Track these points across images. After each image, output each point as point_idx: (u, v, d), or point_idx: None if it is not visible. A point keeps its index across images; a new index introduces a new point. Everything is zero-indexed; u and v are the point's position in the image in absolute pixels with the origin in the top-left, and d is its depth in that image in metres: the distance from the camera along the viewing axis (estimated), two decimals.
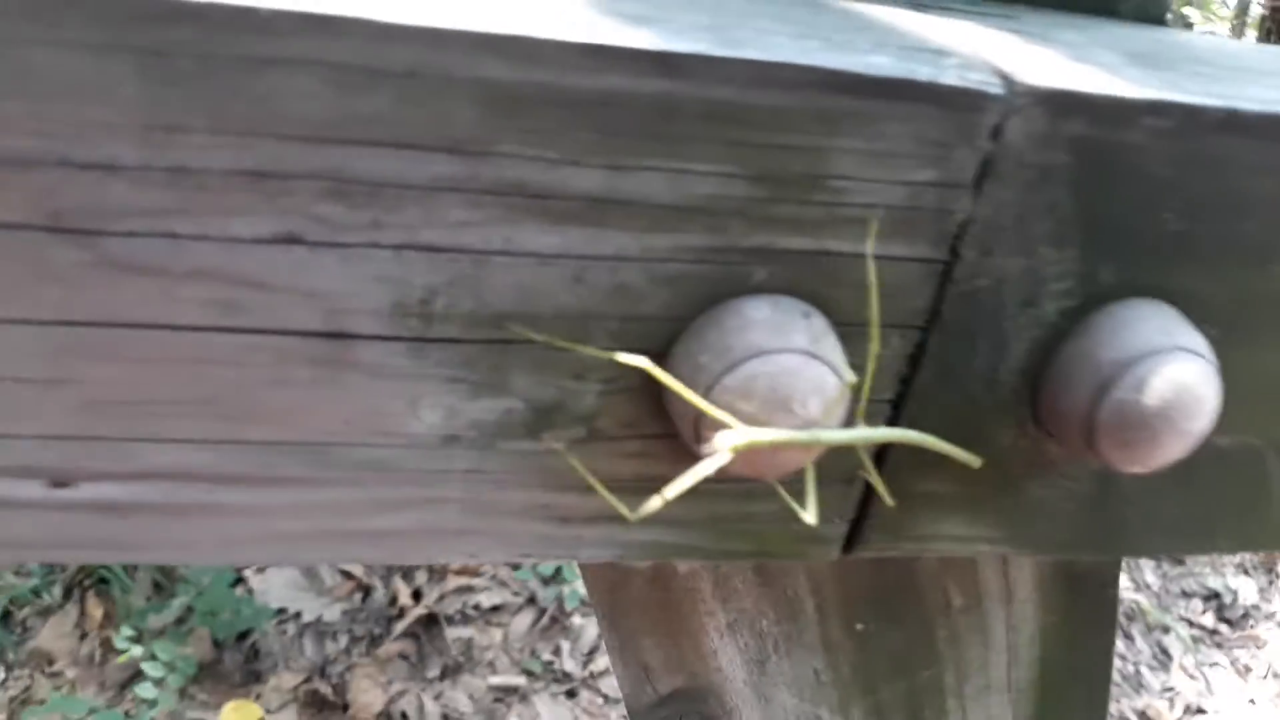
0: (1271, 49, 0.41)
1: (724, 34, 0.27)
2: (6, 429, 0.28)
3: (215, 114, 0.25)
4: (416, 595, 1.81)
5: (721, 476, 0.33)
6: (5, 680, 1.57)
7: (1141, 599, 2.09)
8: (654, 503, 0.28)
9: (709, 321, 0.30)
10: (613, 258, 0.29)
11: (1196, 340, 0.32)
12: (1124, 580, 2.10)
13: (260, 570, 1.75)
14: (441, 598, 1.82)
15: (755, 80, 0.27)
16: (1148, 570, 2.17)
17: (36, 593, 1.64)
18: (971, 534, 0.37)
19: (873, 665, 0.55)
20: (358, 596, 1.80)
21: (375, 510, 0.32)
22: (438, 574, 1.86)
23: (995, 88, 0.28)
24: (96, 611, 1.66)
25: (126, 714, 1.44)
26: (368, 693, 1.64)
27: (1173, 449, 0.32)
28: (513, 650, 1.78)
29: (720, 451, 0.27)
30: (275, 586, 1.74)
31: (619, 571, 0.48)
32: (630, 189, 0.28)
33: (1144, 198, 0.31)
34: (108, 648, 1.61)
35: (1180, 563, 2.21)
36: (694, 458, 0.32)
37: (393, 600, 1.80)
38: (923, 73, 0.28)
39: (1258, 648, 2.07)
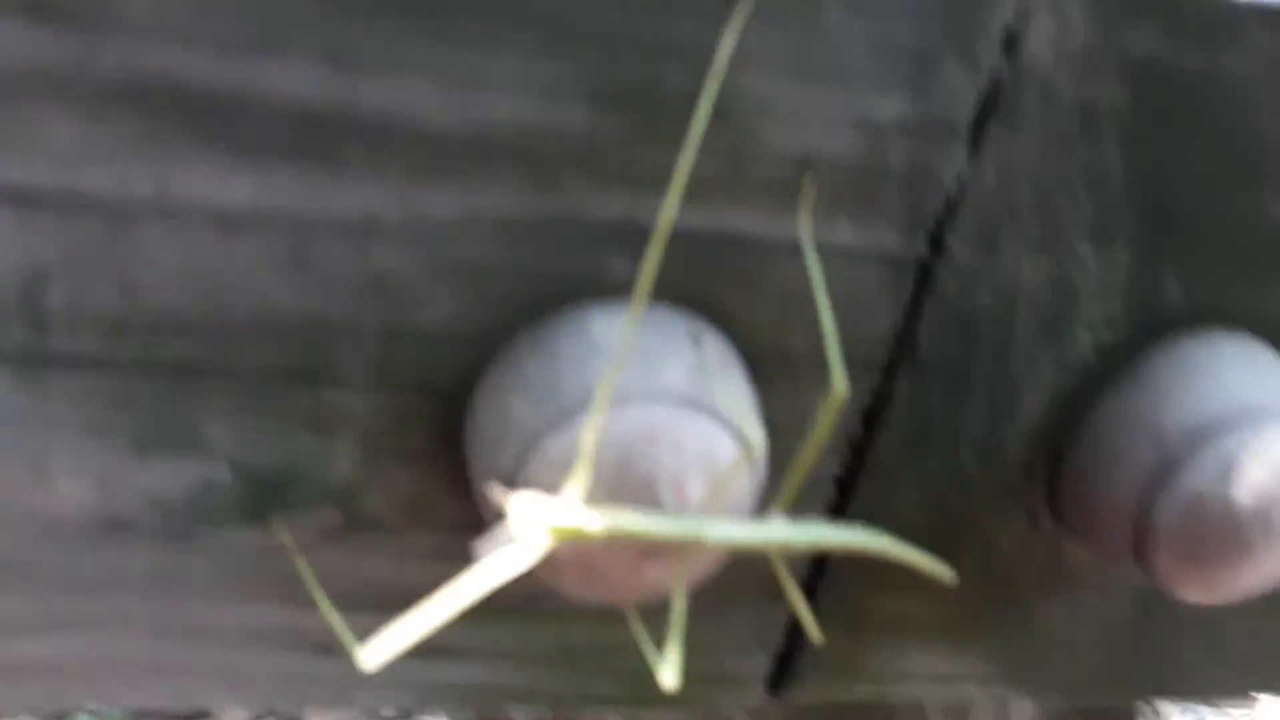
0: None
1: None
2: None
3: None
4: None
5: (557, 593, 0.21)
6: None
7: None
8: (395, 637, 0.16)
9: (532, 345, 0.18)
10: (358, 225, 0.17)
11: None
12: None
13: None
14: None
15: None
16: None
17: None
18: (955, 671, 0.25)
19: None
20: None
21: (12, 633, 0.20)
22: None
23: None
24: None
25: None
26: None
27: (1267, 568, 0.20)
28: None
29: (525, 538, 0.15)
30: None
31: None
32: (378, 102, 0.16)
33: (1242, 168, 0.20)
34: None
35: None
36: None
37: None
38: None
39: None
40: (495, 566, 0.16)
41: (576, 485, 0.15)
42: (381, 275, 0.18)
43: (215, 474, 0.19)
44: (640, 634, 0.19)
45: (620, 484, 0.17)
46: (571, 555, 0.17)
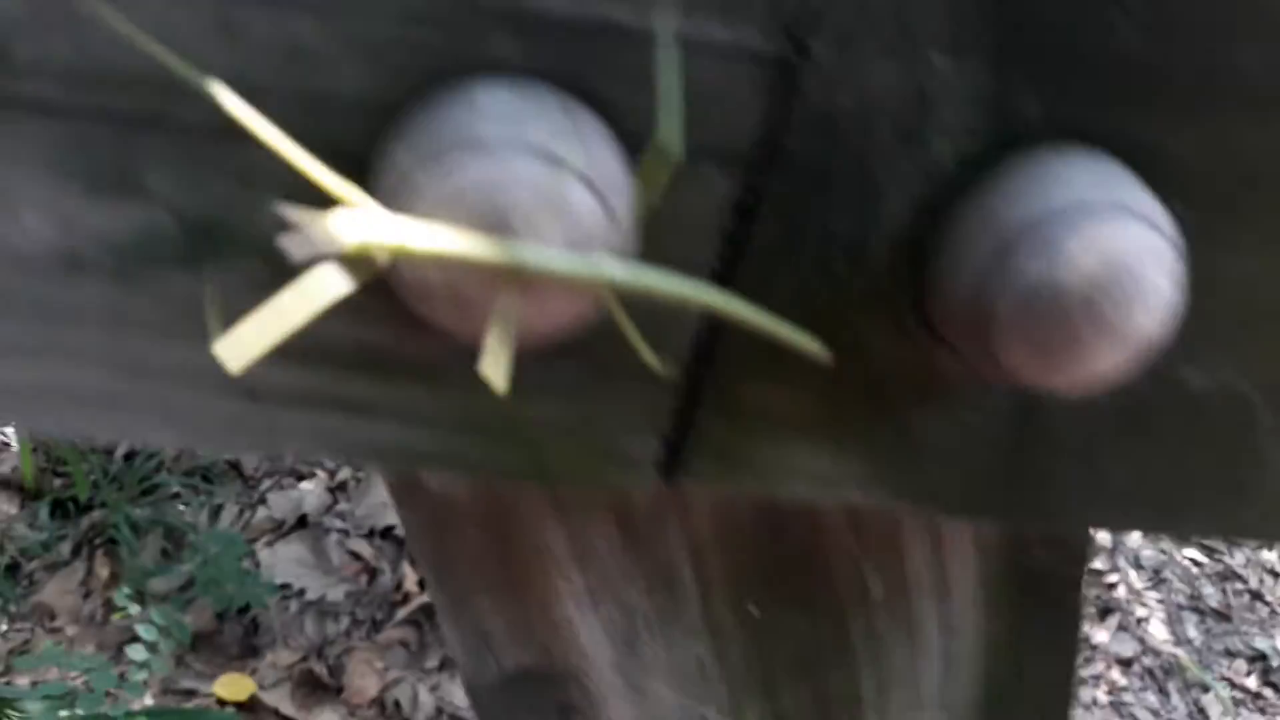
0: None
1: None
2: None
3: None
4: (422, 583, 1.76)
5: (463, 348, 0.23)
6: (6, 632, 1.57)
7: (1181, 653, 1.96)
8: (243, 338, 0.18)
9: (421, 107, 0.21)
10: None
11: (1148, 204, 0.23)
12: (1162, 632, 1.97)
13: (270, 544, 1.73)
14: None
15: None
16: (1189, 624, 2.04)
17: (46, 547, 1.62)
18: (835, 473, 0.28)
19: (770, 658, 0.45)
20: (363, 579, 1.76)
21: None
22: None
23: None
24: (103, 571, 1.65)
25: (121, 676, 1.40)
26: (364, 678, 1.61)
27: (1104, 356, 0.22)
28: None
29: (327, 238, 0.17)
30: (282, 561, 1.71)
31: (444, 510, 0.38)
32: None
33: None
34: (110, 608, 1.59)
35: (1226, 618, 2.07)
36: (426, 323, 0.23)
37: (398, 585, 1.76)
38: None
39: None
40: (319, 284, 0.18)
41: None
42: (298, 46, 0.20)
43: (157, 219, 0.22)
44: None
45: (484, 222, 0.19)
46: (440, 287, 0.20)
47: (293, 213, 0.16)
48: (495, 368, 0.19)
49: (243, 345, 0.18)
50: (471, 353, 0.24)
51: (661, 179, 0.20)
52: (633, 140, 0.22)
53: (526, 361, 0.24)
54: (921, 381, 0.26)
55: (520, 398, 0.25)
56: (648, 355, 0.23)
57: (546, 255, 0.19)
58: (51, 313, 0.23)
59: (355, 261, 0.18)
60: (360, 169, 0.22)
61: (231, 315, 0.23)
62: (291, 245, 0.17)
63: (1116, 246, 0.21)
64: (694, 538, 0.40)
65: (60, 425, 0.24)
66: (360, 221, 0.17)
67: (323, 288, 0.18)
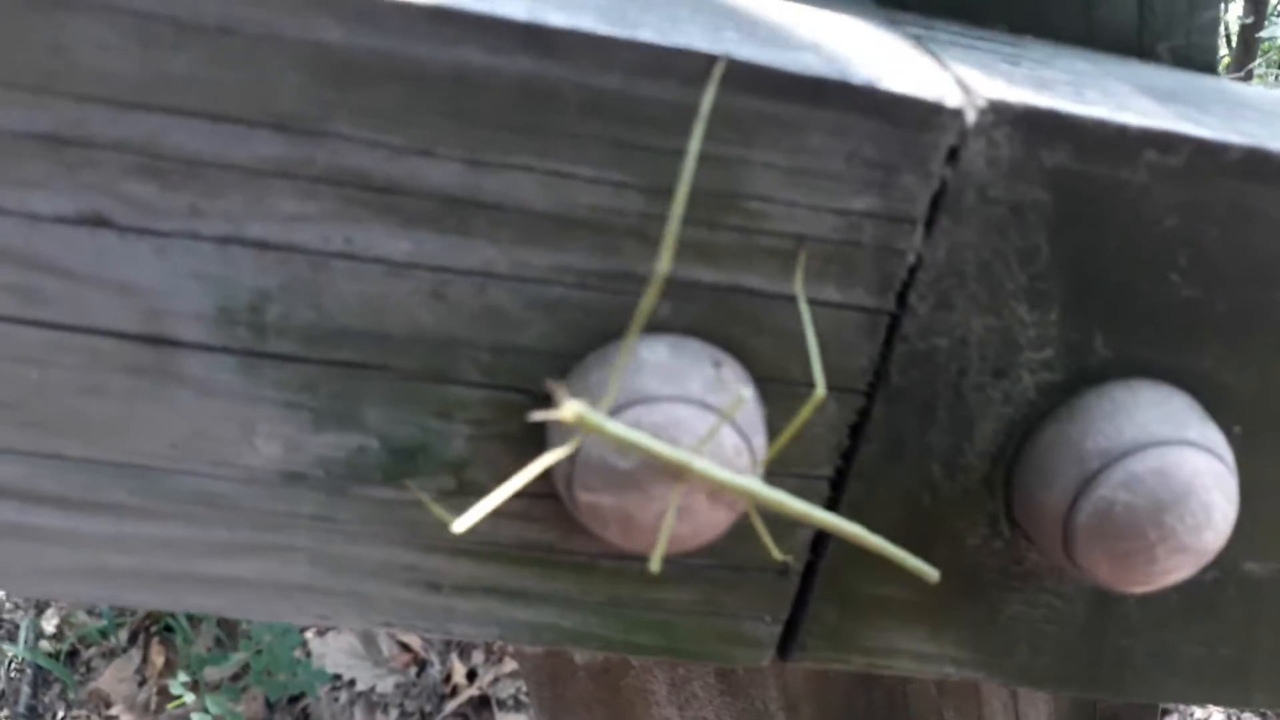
0: None
1: (618, 13, 0.23)
2: None
3: (3, 64, 0.21)
4: (471, 675, 1.78)
5: (612, 548, 0.27)
6: (64, 718, 1.60)
7: None
8: (476, 511, 0.23)
9: (597, 361, 0.25)
10: (479, 272, 0.24)
11: (1210, 434, 0.26)
12: None
13: (321, 634, 1.76)
14: (496, 680, 1.78)
15: (648, 68, 0.22)
16: None
17: (104, 634, 1.66)
18: (935, 652, 0.31)
19: None
20: (413, 670, 1.77)
21: (211, 553, 0.28)
22: (495, 655, 1.83)
23: (952, 100, 0.23)
24: (158, 659, 1.68)
25: None
26: None
27: (1171, 565, 0.26)
28: None
29: (563, 414, 0.22)
30: (333, 651, 1.73)
31: (560, 662, 0.42)
32: (496, 190, 0.23)
33: (1146, 253, 0.26)
34: (164, 696, 1.63)
35: None
36: (582, 526, 0.27)
37: (447, 678, 1.77)
38: (859, 75, 0.23)
39: None
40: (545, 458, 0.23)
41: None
42: (493, 307, 0.25)
43: (367, 444, 0.26)
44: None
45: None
46: (612, 510, 0.24)
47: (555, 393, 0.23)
48: (655, 557, 0.23)
49: (475, 511, 0.23)
50: (621, 551, 0.28)
51: (807, 413, 0.24)
52: (762, 376, 0.26)
53: (670, 556, 0.28)
54: (1011, 572, 0.30)
55: (660, 586, 0.29)
56: (774, 551, 0.27)
57: (711, 466, 0.23)
58: (271, 517, 0.27)
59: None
60: (537, 402, 0.26)
61: (422, 524, 0.27)
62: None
63: (1184, 476, 0.25)
64: (788, 688, 0.43)
65: (267, 611, 0.28)
66: (583, 408, 0.22)
67: (541, 461, 0.23)
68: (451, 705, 1.73)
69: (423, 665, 1.80)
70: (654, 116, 0.23)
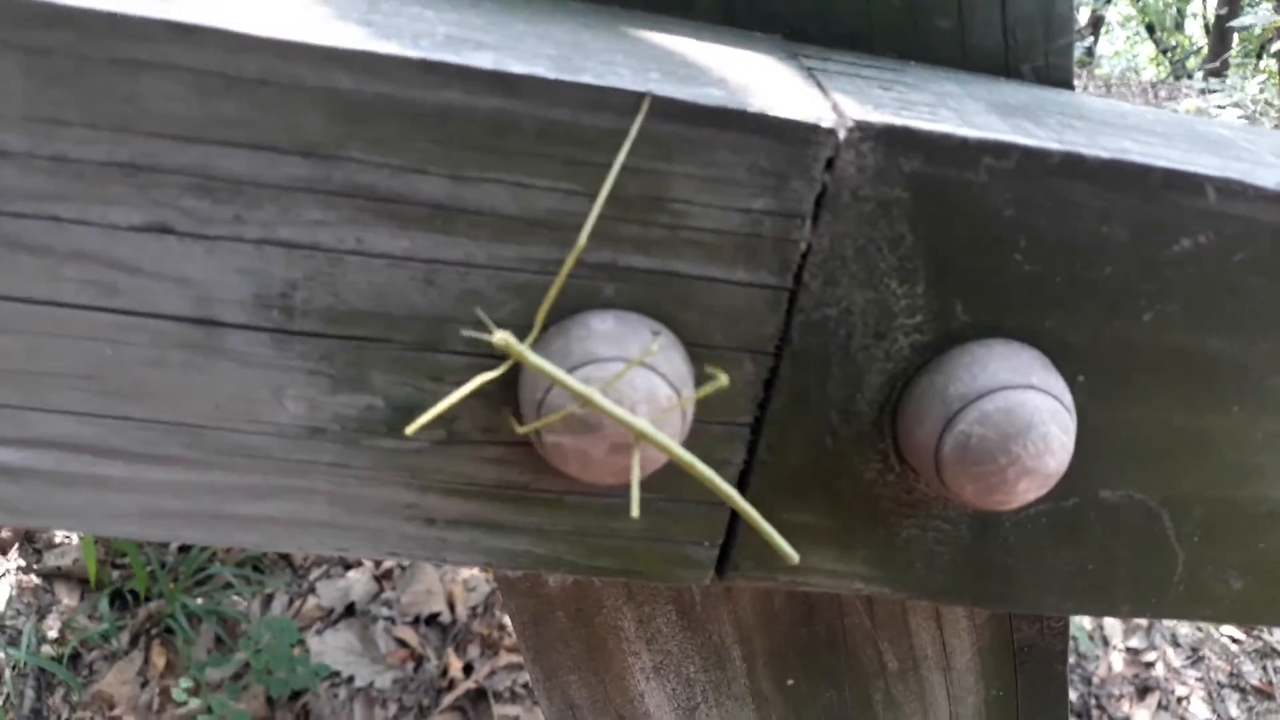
0: (1172, 115, 0.41)
1: (565, 61, 0.30)
2: None
3: (91, 109, 0.28)
4: (468, 669, 1.82)
5: (576, 486, 0.34)
6: None
7: None
8: (425, 415, 0.31)
9: (558, 331, 0.32)
10: (461, 263, 0.31)
11: (1051, 381, 0.33)
12: (1204, 711, 1.99)
13: (319, 632, 1.80)
14: (492, 673, 1.83)
15: (589, 103, 0.29)
16: (1231, 703, 2.06)
17: (105, 637, 1.70)
18: (845, 570, 0.38)
19: None
20: (410, 665, 1.82)
21: (248, 495, 0.34)
22: (491, 648, 1.88)
23: (827, 121, 0.30)
24: (159, 660, 1.72)
25: None
26: None
27: (1021, 486, 0.32)
28: None
29: (494, 339, 0.29)
30: (330, 648, 1.77)
31: (540, 602, 0.48)
32: (474, 199, 0.30)
33: (991, 237, 0.32)
34: (166, 697, 1.66)
35: (1269, 696, 2.09)
36: (552, 468, 0.33)
37: (444, 672, 1.81)
38: (754, 104, 0.30)
39: None
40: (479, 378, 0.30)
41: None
42: (474, 291, 0.31)
43: (374, 403, 0.33)
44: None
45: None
46: (572, 449, 0.31)
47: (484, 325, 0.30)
48: (634, 503, 0.29)
49: (424, 417, 0.29)
50: (582, 489, 0.35)
51: (710, 390, 0.31)
52: (690, 342, 0.33)
53: (624, 494, 0.35)
54: (903, 501, 0.36)
55: (616, 517, 0.35)
56: (721, 490, 0.34)
57: (658, 435, 0.30)
58: (297, 465, 0.34)
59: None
60: (511, 367, 0.32)
61: (420, 469, 0.34)
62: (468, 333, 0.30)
63: (1025, 413, 0.32)
64: (740, 622, 0.50)
65: (292, 543, 0.35)
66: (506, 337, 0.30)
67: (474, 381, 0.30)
68: (449, 699, 1.77)
69: (419, 660, 1.84)
70: (595, 140, 0.30)
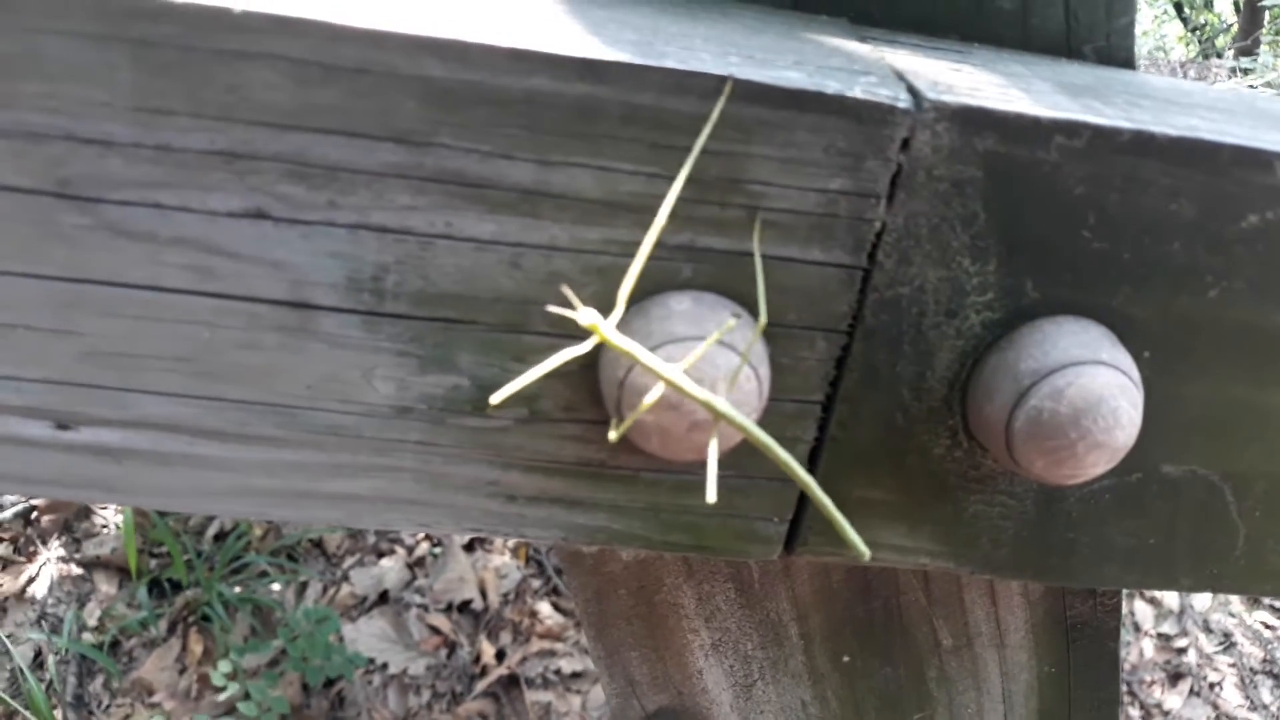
0: (1234, 92, 0.42)
1: (647, 46, 0.30)
2: (18, 371, 0.32)
3: (194, 99, 0.29)
4: (500, 655, 1.84)
5: (651, 463, 0.35)
6: (108, 706, 1.66)
7: (1257, 719, 1.97)
8: (509, 388, 0.32)
9: (637, 311, 0.32)
10: (546, 246, 0.32)
11: (1120, 357, 0.33)
12: (1236, 697, 1.99)
13: (353, 620, 1.82)
14: (524, 660, 1.85)
15: (672, 88, 0.30)
16: (1264, 689, 2.06)
17: (143, 624, 1.74)
18: (912, 545, 0.38)
19: (862, 701, 0.55)
20: (443, 652, 1.84)
21: (337, 473, 0.35)
22: (523, 635, 1.90)
23: (903, 102, 0.31)
24: (197, 647, 1.74)
25: None
26: None
27: (1091, 460, 0.33)
28: (590, 718, 1.78)
29: (579, 317, 0.30)
30: (364, 636, 1.80)
31: (603, 580, 0.50)
32: (560, 183, 0.31)
33: (1061, 215, 0.33)
34: (204, 684, 1.69)
35: None
36: (630, 446, 0.34)
37: (476, 659, 1.83)
38: (832, 86, 0.30)
39: None
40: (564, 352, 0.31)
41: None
42: (557, 273, 0.32)
43: (460, 383, 0.34)
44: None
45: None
46: (654, 426, 0.31)
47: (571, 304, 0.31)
48: (711, 486, 0.30)
49: (508, 388, 0.31)
50: (657, 466, 0.36)
51: (759, 334, 0.32)
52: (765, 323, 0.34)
53: (698, 471, 0.36)
54: (970, 476, 0.37)
55: (689, 494, 0.36)
56: (792, 470, 0.35)
57: (733, 412, 0.31)
58: (384, 444, 0.35)
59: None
60: (593, 347, 0.33)
61: (502, 446, 0.35)
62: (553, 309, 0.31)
63: (1096, 388, 0.32)
64: (798, 599, 0.51)
65: (377, 519, 0.36)
66: (598, 318, 0.30)
67: (559, 356, 0.31)
68: (481, 685, 1.79)
69: (452, 647, 1.86)
70: (678, 123, 0.30)
